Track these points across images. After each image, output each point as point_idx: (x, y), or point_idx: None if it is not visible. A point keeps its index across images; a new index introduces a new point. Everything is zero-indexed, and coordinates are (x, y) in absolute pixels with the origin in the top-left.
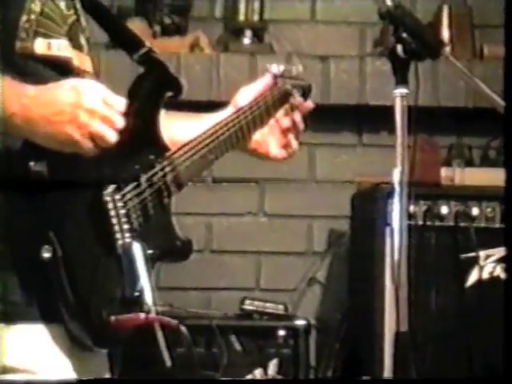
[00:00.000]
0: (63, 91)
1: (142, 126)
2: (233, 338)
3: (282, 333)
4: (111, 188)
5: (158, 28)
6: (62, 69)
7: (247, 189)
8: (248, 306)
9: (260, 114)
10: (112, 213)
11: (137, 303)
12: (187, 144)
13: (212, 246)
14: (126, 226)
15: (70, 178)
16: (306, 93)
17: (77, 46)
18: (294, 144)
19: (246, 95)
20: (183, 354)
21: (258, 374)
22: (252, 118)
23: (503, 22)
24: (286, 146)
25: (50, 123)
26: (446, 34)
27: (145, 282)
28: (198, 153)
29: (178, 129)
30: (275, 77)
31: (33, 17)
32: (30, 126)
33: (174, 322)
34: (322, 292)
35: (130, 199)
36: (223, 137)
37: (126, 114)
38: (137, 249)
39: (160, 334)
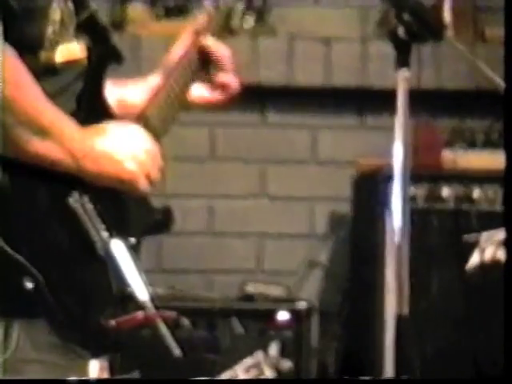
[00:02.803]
0: (122, 132)
1: (92, 102)
2: (234, 321)
3: (283, 315)
4: (77, 192)
5: (160, 10)
6: (74, 72)
7: (249, 171)
8: (250, 288)
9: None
10: (84, 218)
11: (132, 300)
12: (151, 98)
13: (214, 228)
14: (101, 226)
15: (34, 190)
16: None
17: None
18: (228, 79)
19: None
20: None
21: (259, 356)
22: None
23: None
24: (221, 86)
25: (112, 161)
26: (448, 16)
27: (134, 276)
28: (165, 101)
29: (127, 92)
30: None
31: (56, 27)
32: (98, 165)
33: (173, 313)
34: (323, 274)
35: (100, 194)
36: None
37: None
38: (118, 245)
39: (164, 328)
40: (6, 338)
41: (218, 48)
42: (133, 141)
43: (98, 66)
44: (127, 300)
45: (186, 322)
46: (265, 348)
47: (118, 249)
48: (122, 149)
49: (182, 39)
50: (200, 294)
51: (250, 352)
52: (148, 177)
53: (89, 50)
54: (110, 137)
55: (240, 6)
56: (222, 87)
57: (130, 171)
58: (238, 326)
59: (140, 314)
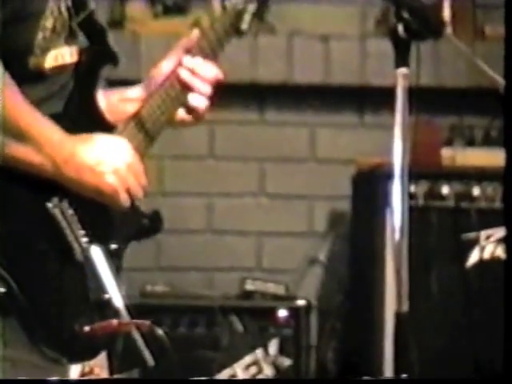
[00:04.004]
0: (105, 144)
1: (83, 103)
2: (234, 318)
3: (283, 313)
4: (56, 197)
5: (159, 8)
6: (64, 76)
7: (248, 169)
8: (249, 286)
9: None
10: (63, 223)
11: (107, 307)
12: (145, 100)
13: (213, 226)
14: (80, 232)
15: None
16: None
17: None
18: (198, 103)
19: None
20: (183, 335)
21: (258, 353)
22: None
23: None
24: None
25: (93, 173)
26: (447, 13)
27: (111, 284)
28: (158, 106)
29: (118, 101)
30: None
31: (47, 34)
32: (79, 174)
33: (147, 322)
34: (323, 272)
35: (81, 199)
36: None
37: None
38: (96, 252)
39: (137, 336)
40: None
41: (201, 68)
42: (116, 154)
43: (93, 66)
44: (104, 306)
45: (160, 331)
46: (264, 346)
47: (97, 255)
48: (105, 161)
49: (171, 56)
50: (199, 291)
51: (249, 350)
52: (128, 192)
53: (83, 51)
54: (94, 147)
55: (251, 8)
56: (190, 109)
57: (111, 184)
58: (237, 324)
59: (114, 322)
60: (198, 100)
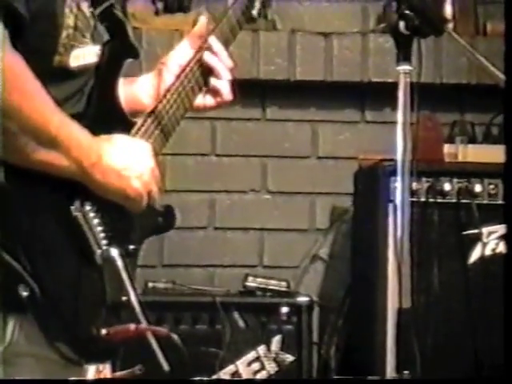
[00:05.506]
0: (130, 148)
1: (104, 99)
2: (236, 315)
3: (284, 309)
4: (78, 201)
5: (160, 5)
6: (88, 74)
7: (250, 166)
8: (251, 282)
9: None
10: (85, 227)
11: (125, 309)
12: (162, 96)
13: (215, 223)
14: (101, 235)
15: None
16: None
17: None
18: (222, 86)
19: (176, 58)
20: (185, 331)
21: (260, 350)
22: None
23: None
24: (213, 92)
25: (120, 177)
26: (449, 10)
27: (129, 287)
28: (174, 100)
29: (138, 87)
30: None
31: (70, 32)
32: (105, 178)
33: (164, 330)
34: (324, 269)
35: (102, 202)
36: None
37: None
38: (116, 254)
39: (154, 342)
40: (2, 331)
41: (220, 54)
42: (141, 159)
43: (115, 61)
44: (121, 309)
45: (176, 338)
46: (266, 342)
47: (116, 258)
48: (131, 166)
49: (184, 43)
50: (201, 288)
51: (251, 346)
52: (149, 194)
53: (105, 46)
54: (120, 151)
55: None
56: (214, 93)
57: (136, 189)
58: (239, 321)
59: (131, 327)
60: (221, 84)
